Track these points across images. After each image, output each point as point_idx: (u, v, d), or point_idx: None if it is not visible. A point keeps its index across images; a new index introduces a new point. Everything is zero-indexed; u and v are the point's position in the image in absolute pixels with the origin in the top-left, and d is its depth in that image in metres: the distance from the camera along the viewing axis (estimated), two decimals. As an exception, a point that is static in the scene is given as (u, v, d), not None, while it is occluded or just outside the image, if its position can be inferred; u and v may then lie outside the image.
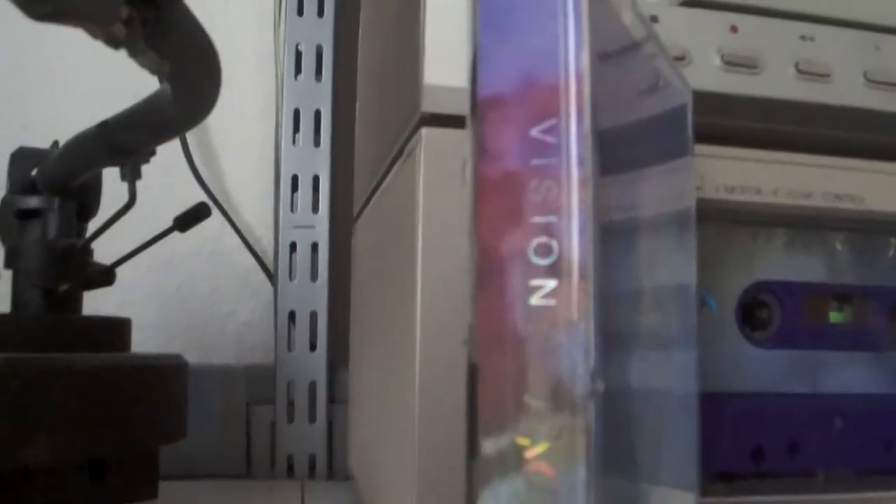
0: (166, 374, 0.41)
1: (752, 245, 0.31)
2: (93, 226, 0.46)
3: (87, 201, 0.43)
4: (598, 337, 0.16)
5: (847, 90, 0.30)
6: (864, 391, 0.31)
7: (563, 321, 0.17)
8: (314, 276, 0.56)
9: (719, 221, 0.30)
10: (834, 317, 0.32)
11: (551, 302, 0.17)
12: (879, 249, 0.32)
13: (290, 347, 0.55)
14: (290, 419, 0.55)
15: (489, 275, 0.18)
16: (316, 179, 0.56)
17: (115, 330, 0.42)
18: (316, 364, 0.55)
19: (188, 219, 0.40)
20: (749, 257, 0.31)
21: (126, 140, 0.36)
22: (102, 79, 0.60)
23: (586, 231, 0.17)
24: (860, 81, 0.30)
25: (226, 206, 0.61)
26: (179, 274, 0.62)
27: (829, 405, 0.31)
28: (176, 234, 0.61)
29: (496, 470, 0.16)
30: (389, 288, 0.34)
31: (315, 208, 0.56)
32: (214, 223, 0.61)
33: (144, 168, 0.47)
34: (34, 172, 0.42)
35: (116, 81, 0.56)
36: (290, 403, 0.55)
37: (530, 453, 0.16)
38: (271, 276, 0.58)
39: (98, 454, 0.38)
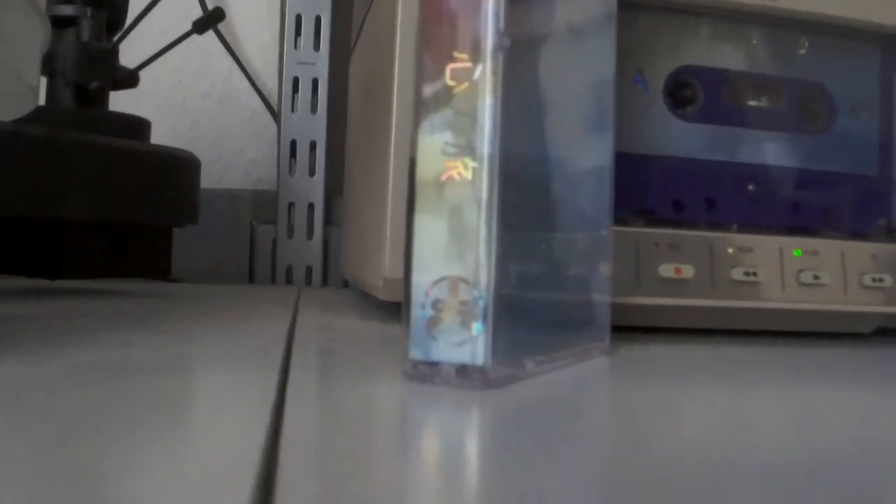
0: (181, 163, 0.47)
1: (681, 33, 0.36)
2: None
3: (115, 14, 0.48)
4: (507, 6, 0.22)
5: None
6: (775, 164, 0.37)
7: (479, 4, 0.22)
8: (314, 108, 0.61)
9: (653, 9, 0.35)
10: (751, 101, 0.37)
11: (477, -14, 0.22)
12: (792, 46, 0.38)
13: (291, 173, 0.61)
14: (290, 236, 0.61)
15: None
16: (318, 19, 0.61)
17: (138, 126, 0.48)
18: (314, 188, 0.61)
19: (205, 21, 0.46)
20: (678, 44, 0.36)
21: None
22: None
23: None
24: None
25: (236, 52, 0.66)
26: (192, 113, 0.67)
27: (744, 172, 0.36)
28: (189, 76, 0.67)
29: (432, 106, 0.22)
30: (373, 91, 0.40)
31: (317, 46, 0.61)
32: (223, 67, 0.67)
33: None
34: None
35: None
36: (290, 223, 0.61)
37: (457, 90, 0.22)
38: (276, 116, 0.64)
39: (119, 220, 0.44)
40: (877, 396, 0.26)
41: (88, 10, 0.46)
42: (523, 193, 0.24)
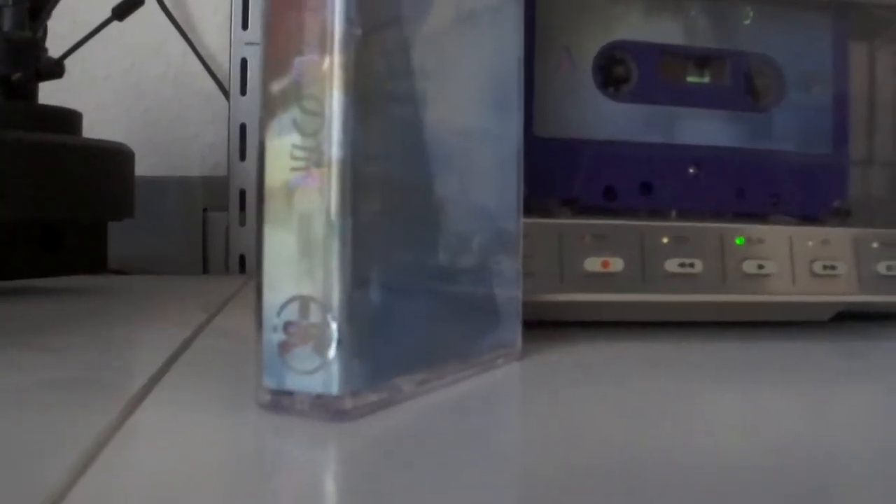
0: (113, 156, 0.45)
1: (612, 6, 0.34)
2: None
3: (37, 2, 0.46)
4: (356, 2, 0.20)
5: None
6: (718, 144, 0.35)
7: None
8: (265, 90, 0.59)
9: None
10: (691, 77, 0.35)
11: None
12: (735, 17, 0.35)
13: (242, 157, 0.59)
14: (243, 223, 0.59)
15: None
16: (265, -3, 0.59)
17: (67, 118, 0.46)
18: (267, 173, 0.59)
19: (124, 7, 0.44)
20: (608, 18, 0.34)
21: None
22: None
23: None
24: None
25: (189, 34, 0.64)
26: (147, 97, 0.65)
27: (684, 154, 0.34)
28: (143, 58, 0.64)
29: (280, 105, 0.20)
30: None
31: (265, 25, 0.59)
32: (178, 50, 0.64)
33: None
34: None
35: None
36: (243, 209, 0.59)
37: (305, 86, 0.20)
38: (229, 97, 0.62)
39: (49, 218, 0.42)
40: (818, 397, 0.24)
41: (10, -1, 0.44)
42: (394, 196, 0.21)
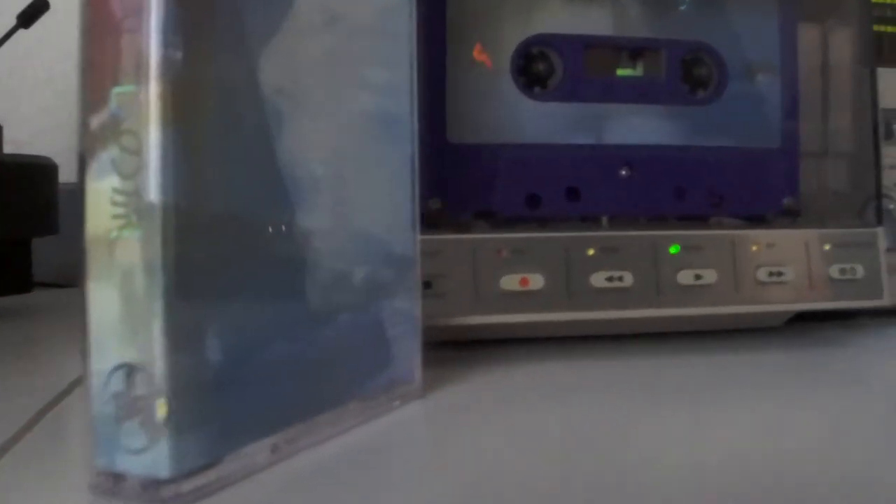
0: (35, 171, 0.43)
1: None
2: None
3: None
4: (176, 22, 0.17)
5: None
6: (653, 142, 0.32)
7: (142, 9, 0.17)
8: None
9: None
10: (621, 70, 0.32)
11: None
12: (671, 2, 0.32)
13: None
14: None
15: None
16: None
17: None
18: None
19: (29, 14, 0.41)
20: (528, 10, 0.31)
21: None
22: None
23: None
24: None
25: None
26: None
27: (614, 154, 0.31)
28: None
29: (100, 143, 0.18)
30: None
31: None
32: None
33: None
34: None
35: None
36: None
37: (123, 126, 0.17)
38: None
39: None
40: (763, 416, 0.22)
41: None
42: (239, 238, 0.19)
